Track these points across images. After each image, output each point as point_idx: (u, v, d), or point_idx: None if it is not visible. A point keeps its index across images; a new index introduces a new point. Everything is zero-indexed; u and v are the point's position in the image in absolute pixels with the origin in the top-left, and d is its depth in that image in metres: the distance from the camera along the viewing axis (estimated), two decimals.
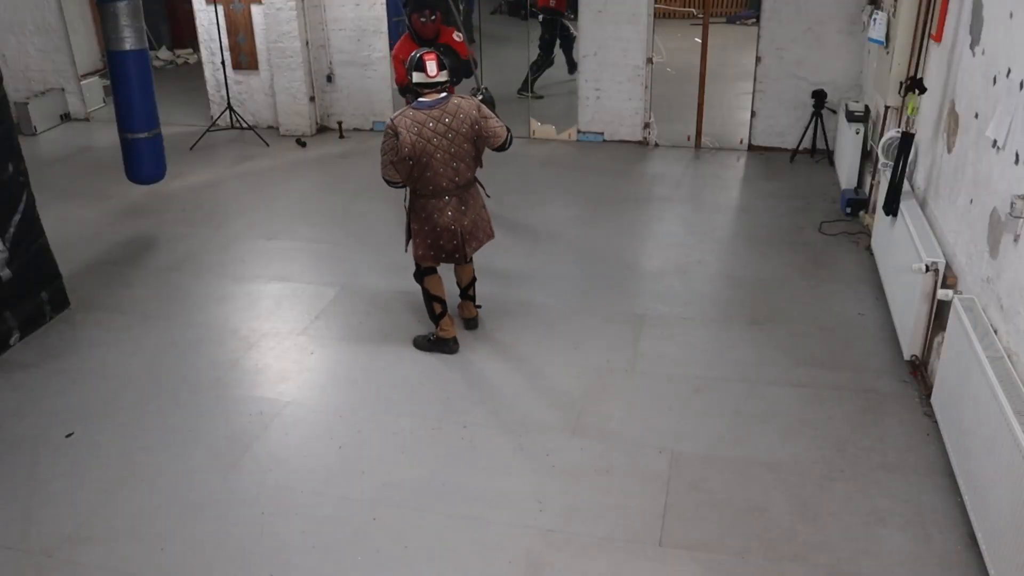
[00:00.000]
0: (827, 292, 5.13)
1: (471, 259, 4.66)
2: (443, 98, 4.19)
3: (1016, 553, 2.74)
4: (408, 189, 4.35)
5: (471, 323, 4.81)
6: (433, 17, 5.51)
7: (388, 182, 4.27)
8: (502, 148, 4.40)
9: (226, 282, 5.48)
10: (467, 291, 4.80)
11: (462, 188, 4.33)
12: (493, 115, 4.38)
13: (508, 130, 4.40)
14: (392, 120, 4.14)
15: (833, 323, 4.78)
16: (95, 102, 9.24)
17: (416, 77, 4.16)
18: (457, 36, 5.70)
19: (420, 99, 4.18)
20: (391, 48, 8.46)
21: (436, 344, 4.57)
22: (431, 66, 4.14)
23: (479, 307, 4.86)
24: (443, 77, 4.18)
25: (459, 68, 5.58)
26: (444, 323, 4.55)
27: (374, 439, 3.93)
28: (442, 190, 4.27)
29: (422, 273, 4.53)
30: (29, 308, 4.83)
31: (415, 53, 4.20)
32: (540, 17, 9.88)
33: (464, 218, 4.37)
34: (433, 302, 4.54)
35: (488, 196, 4.59)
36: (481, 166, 4.43)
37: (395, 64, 5.68)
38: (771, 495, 3.50)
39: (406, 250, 4.59)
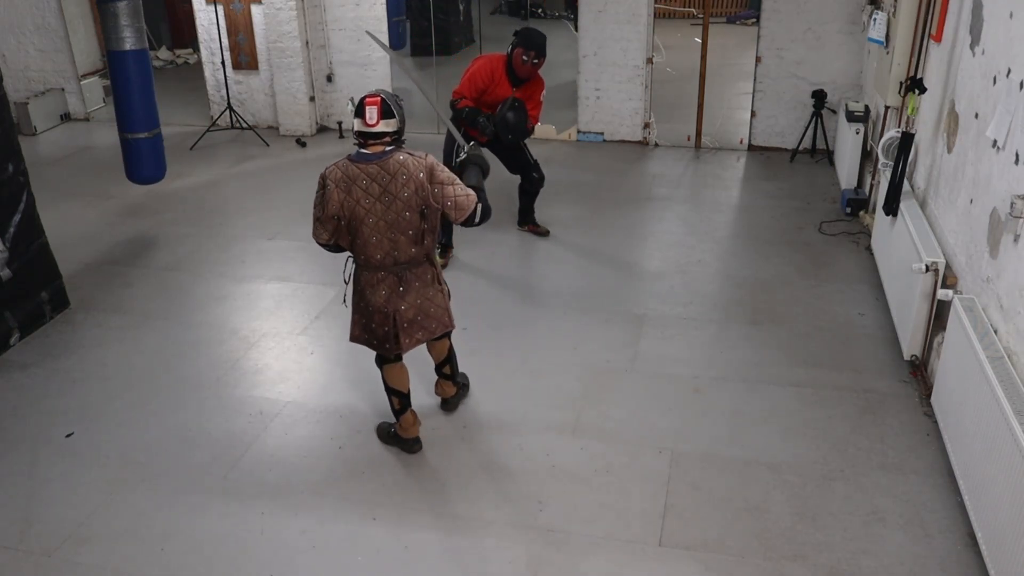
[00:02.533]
0: (827, 292, 5.13)
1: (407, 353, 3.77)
2: (385, 153, 3.37)
3: (1016, 553, 2.74)
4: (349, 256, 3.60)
5: (447, 403, 4.09)
6: (536, 61, 5.30)
7: (318, 243, 3.54)
8: (470, 223, 3.50)
9: (226, 282, 5.48)
10: (442, 369, 4.02)
11: (402, 266, 3.49)
12: (452, 180, 3.45)
13: (479, 200, 3.50)
14: (325, 170, 3.42)
15: (833, 323, 4.78)
16: (95, 102, 9.24)
17: (356, 124, 3.40)
18: (542, 96, 5.53)
19: (360, 151, 3.40)
20: (391, 48, 8.51)
21: (395, 439, 3.85)
22: (371, 113, 3.34)
23: (462, 384, 4.16)
24: (386, 127, 3.36)
25: (517, 126, 5.37)
26: (404, 420, 3.78)
27: (374, 439, 3.92)
28: (376, 264, 3.48)
29: (380, 359, 3.76)
30: (29, 308, 4.83)
31: (361, 99, 3.42)
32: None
33: (401, 302, 3.52)
34: (391, 396, 3.77)
35: (441, 286, 3.67)
36: (434, 241, 3.55)
37: (467, 80, 5.39)
38: (771, 495, 3.50)
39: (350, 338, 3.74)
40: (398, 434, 3.85)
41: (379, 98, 3.38)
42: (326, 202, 3.40)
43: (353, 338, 3.70)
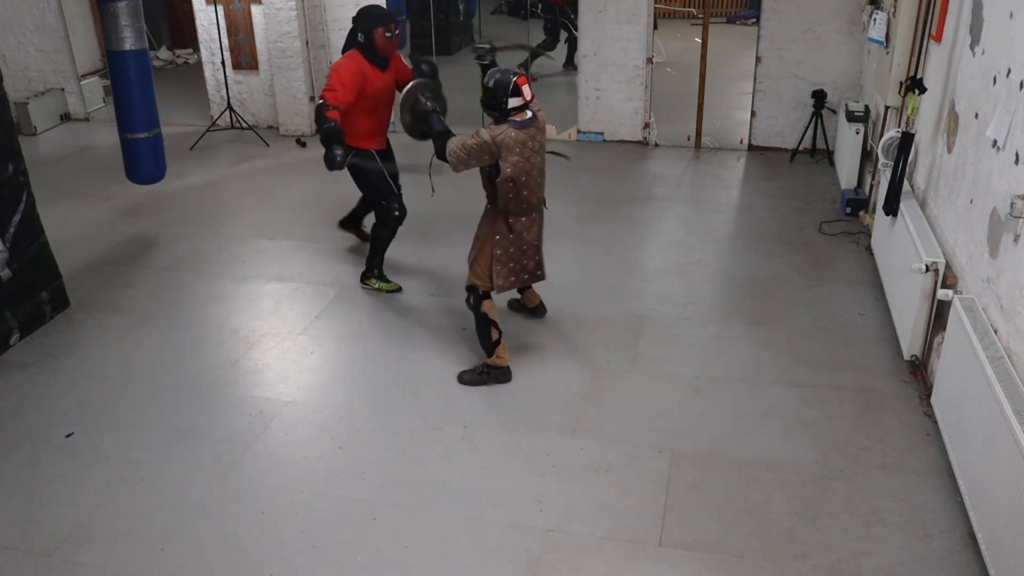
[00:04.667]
0: (827, 292, 5.13)
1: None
2: (535, 115, 4.13)
3: (1016, 553, 2.74)
4: (495, 216, 4.20)
5: (541, 309, 4.89)
6: (397, 32, 4.85)
7: (447, 158, 4.10)
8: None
9: (226, 282, 5.48)
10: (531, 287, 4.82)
11: (541, 204, 4.35)
12: None
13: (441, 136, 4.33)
14: (492, 137, 3.98)
15: (833, 323, 4.78)
16: (95, 102, 9.23)
17: (513, 102, 4.03)
18: (406, 62, 5.08)
19: (512, 119, 4.05)
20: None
21: (491, 375, 4.32)
22: (527, 90, 4.07)
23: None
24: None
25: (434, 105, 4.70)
26: (500, 350, 4.32)
27: (374, 439, 3.93)
28: (532, 207, 4.25)
29: (480, 299, 4.30)
30: (29, 308, 4.83)
31: (511, 77, 4.00)
32: (539, 7, 10.04)
33: (541, 233, 4.41)
34: (492, 328, 4.30)
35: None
36: None
37: (337, 81, 4.72)
38: (771, 495, 3.50)
39: (485, 282, 4.26)
40: (495, 364, 4.32)
41: (522, 75, 4.11)
42: (502, 169, 4.03)
43: (502, 287, 4.30)
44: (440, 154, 4.20)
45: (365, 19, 4.83)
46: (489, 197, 4.26)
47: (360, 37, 4.83)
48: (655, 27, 8.00)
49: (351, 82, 4.74)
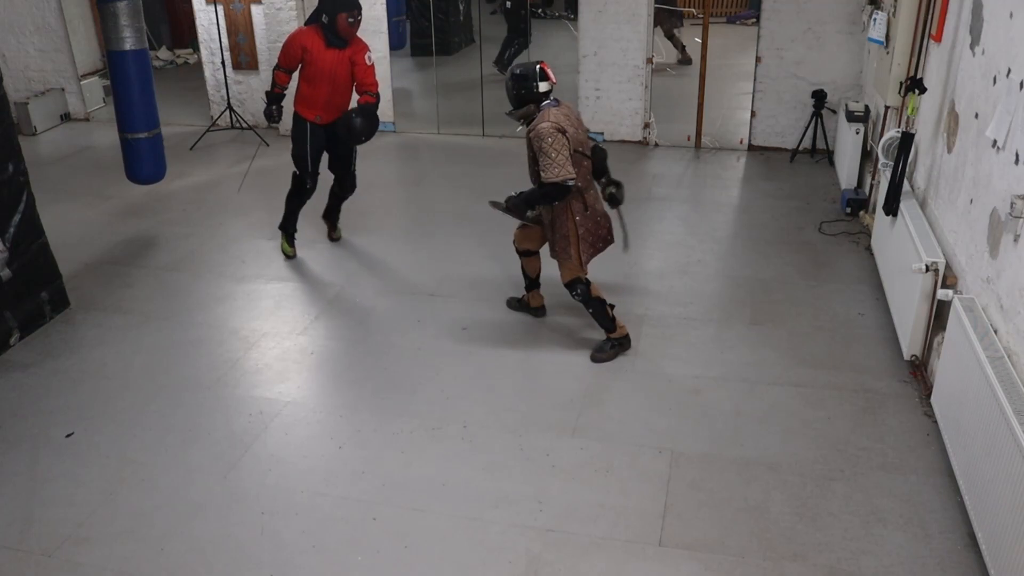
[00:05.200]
0: (827, 292, 5.13)
1: None
2: (555, 99, 4.30)
3: (1016, 553, 2.74)
4: (566, 202, 4.26)
5: (542, 311, 4.94)
6: (360, 17, 5.27)
7: (563, 185, 4.12)
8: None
9: (226, 282, 5.48)
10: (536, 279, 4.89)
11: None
12: None
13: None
14: (549, 122, 4.11)
15: (833, 323, 4.78)
16: (95, 102, 9.23)
17: (543, 87, 4.22)
18: (368, 58, 5.36)
19: (549, 102, 4.25)
20: (391, 48, 8.51)
21: (619, 345, 4.50)
22: (551, 73, 4.26)
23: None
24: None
25: (363, 131, 5.27)
26: (619, 321, 4.50)
27: (374, 439, 3.93)
28: (589, 180, 4.36)
29: (587, 287, 4.41)
30: (29, 308, 4.83)
31: (535, 65, 4.22)
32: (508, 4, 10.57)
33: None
34: (605, 305, 4.44)
35: None
36: None
37: (282, 53, 5.37)
38: (771, 495, 3.50)
39: (582, 269, 4.39)
40: (619, 336, 4.49)
41: (542, 62, 4.29)
42: (567, 143, 4.14)
43: (586, 262, 4.38)
44: (554, 194, 4.19)
45: (331, 3, 5.21)
46: (544, 198, 4.30)
47: (324, 19, 5.23)
48: (680, 25, 7.94)
49: (290, 50, 5.33)
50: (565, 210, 4.30)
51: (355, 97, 5.41)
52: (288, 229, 5.79)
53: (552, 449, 3.82)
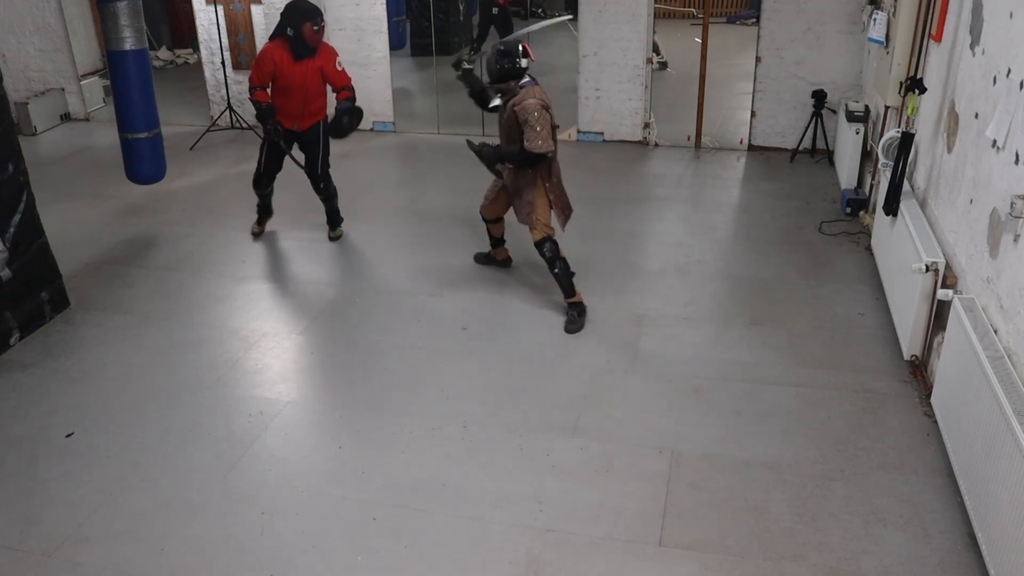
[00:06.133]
0: (827, 292, 5.13)
1: None
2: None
3: (1016, 553, 2.74)
4: (535, 171, 4.66)
5: (508, 261, 5.45)
6: (324, 24, 5.37)
7: (543, 155, 4.52)
8: None
9: (226, 282, 5.48)
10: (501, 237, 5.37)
11: None
12: None
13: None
14: (536, 99, 4.47)
15: (833, 323, 4.78)
16: (95, 102, 9.24)
17: (524, 63, 4.55)
18: (338, 64, 5.50)
19: (525, 80, 4.59)
20: (391, 48, 8.51)
21: (583, 312, 4.82)
22: (531, 51, 4.61)
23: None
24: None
25: (348, 130, 5.45)
26: (576, 288, 4.85)
27: (374, 439, 3.93)
28: (555, 152, 4.69)
29: (555, 246, 4.76)
30: (29, 308, 4.83)
31: (516, 41, 4.60)
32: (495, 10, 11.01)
33: None
34: (569, 267, 4.80)
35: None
36: None
37: (255, 69, 5.45)
38: (771, 495, 3.50)
39: (550, 228, 4.79)
40: (578, 301, 4.84)
41: (524, 42, 4.63)
42: (550, 119, 4.52)
43: (564, 224, 4.89)
44: (531, 159, 4.55)
45: (295, 13, 5.30)
46: (519, 161, 4.63)
47: (289, 31, 5.31)
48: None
49: (263, 66, 5.41)
50: (535, 179, 4.69)
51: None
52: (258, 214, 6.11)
53: (552, 449, 3.82)
